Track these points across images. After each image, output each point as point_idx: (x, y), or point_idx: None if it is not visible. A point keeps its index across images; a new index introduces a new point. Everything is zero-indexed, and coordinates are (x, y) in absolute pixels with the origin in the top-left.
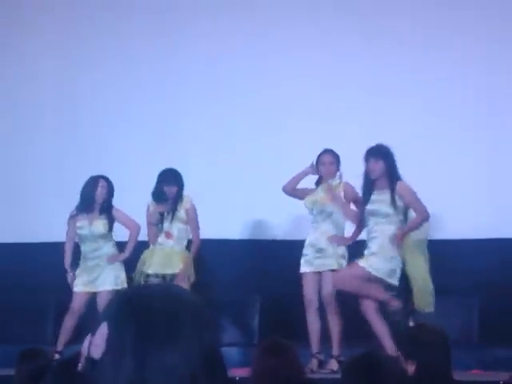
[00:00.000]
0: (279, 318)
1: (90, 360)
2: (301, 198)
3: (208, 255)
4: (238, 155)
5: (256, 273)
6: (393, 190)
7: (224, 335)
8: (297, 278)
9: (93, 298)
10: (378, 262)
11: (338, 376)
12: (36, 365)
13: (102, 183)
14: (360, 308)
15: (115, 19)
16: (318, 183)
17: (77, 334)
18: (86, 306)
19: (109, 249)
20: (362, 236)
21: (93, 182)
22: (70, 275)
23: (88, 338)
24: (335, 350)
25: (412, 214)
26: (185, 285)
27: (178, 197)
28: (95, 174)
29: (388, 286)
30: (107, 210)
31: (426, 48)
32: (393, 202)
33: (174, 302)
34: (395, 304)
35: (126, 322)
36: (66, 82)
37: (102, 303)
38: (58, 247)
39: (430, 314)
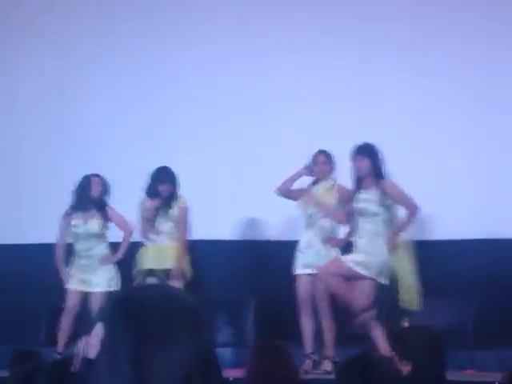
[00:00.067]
0: (273, 318)
1: (86, 360)
2: (295, 199)
3: (202, 256)
4: (232, 156)
5: (250, 273)
6: (380, 189)
7: (218, 336)
8: (291, 279)
9: (86, 297)
10: (367, 260)
11: (332, 377)
12: (28, 366)
13: (95, 181)
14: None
15: (115, 19)
16: (313, 184)
17: (72, 335)
18: (81, 305)
19: (102, 250)
20: None
21: (86, 180)
22: (63, 271)
23: (83, 339)
24: (329, 351)
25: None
26: (180, 282)
27: (172, 195)
28: (88, 173)
29: (379, 286)
30: (102, 207)
31: (423, 49)
32: (380, 200)
33: (169, 303)
34: (365, 329)
35: (121, 322)
36: (66, 81)
37: (94, 304)
38: (47, 248)
39: (424, 314)
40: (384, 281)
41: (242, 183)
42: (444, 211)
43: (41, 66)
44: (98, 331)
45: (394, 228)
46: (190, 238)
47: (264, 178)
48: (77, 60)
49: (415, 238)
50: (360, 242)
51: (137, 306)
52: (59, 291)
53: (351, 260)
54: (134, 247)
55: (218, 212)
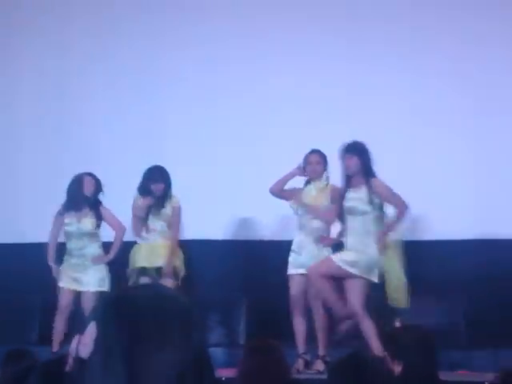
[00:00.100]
0: (265, 318)
1: (79, 360)
2: (288, 199)
3: (195, 256)
4: (225, 155)
5: (242, 273)
6: (369, 187)
7: (210, 336)
8: (283, 279)
9: (79, 296)
10: (357, 259)
11: (324, 376)
12: (21, 366)
13: (87, 179)
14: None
15: (115, 19)
16: (306, 184)
17: (67, 334)
18: (74, 304)
19: (95, 249)
20: None
21: (78, 179)
22: (54, 268)
23: (76, 338)
24: (321, 351)
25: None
26: (172, 281)
27: (165, 194)
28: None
29: (370, 285)
30: (95, 206)
31: (423, 49)
32: (369, 199)
33: (161, 303)
34: (341, 334)
35: (114, 322)
36: (66, 81)
37: (86, 303)
38: (44, 248)
39: (417, 314)
40: (375, 279)
41: (235, 183)
42: (444, 211)
43: (41, 66)
44: (91, 330)
45: (384, 227)
46: (182, 238)
47: (258, 178)
48: (77, 60)
49: (412, 239)
50: (350, 240)
51: (129, 305)
52: (54, 291)
53: (340, 259)
54: (127, 247)
55: (211, 211)
